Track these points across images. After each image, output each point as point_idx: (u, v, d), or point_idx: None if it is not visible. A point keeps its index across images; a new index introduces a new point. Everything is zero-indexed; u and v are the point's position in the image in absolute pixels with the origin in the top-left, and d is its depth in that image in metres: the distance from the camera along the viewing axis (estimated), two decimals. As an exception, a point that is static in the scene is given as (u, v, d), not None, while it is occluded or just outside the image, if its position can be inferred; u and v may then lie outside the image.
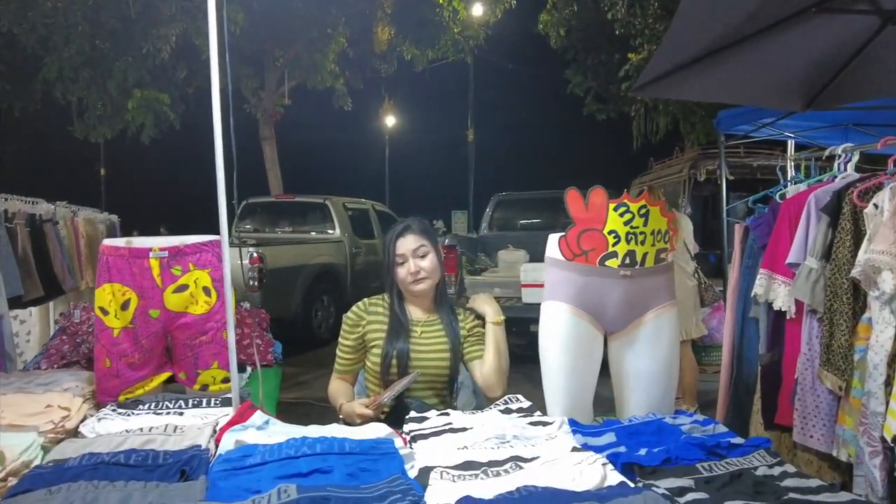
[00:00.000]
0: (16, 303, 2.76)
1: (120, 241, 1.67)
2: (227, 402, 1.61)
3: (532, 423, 1.48)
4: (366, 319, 1.84)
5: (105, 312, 1.65)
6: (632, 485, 1.14)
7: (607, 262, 1.55)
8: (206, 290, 1.70)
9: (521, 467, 1.17)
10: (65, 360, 1.97)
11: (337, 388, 1.82)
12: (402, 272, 1.80)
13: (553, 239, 1.61)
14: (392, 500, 1.03)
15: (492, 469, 1.16)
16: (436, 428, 1.45)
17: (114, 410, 1.56)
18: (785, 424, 1.98)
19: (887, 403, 1.57)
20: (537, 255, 5.30)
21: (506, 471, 1.15)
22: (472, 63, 11.47)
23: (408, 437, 1.42)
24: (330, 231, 7.21)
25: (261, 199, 7.98)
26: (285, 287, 5.97)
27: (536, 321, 1.65)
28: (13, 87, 8.01)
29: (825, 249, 1.82)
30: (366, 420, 1.67)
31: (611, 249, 1.54)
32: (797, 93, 3.31)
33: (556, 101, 12.81)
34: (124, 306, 1.65)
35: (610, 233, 1.54)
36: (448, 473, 1.14)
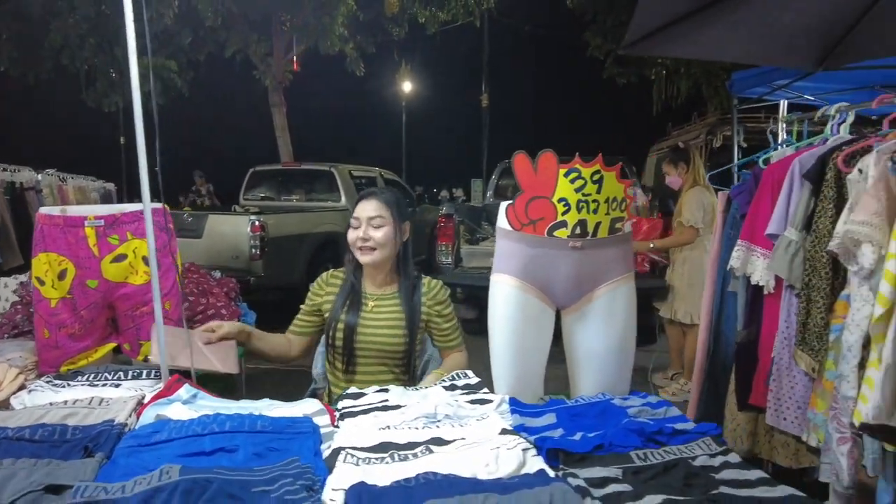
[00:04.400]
0: (-4, 271, 2.77)
1: (55, 210, 1.62)
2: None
3: (472, 402, 1.41)
4: (324, 290, 1.84)
5: (42, 283, 1.61)
6: (552, 473, 1.06)
7: (556, 233, 1.44)
8: (146, 260, 1.64)
9: (431, 451, 1.10)
10: (16, 330, 1.95)
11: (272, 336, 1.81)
12: (351, 235, 1.79)
13: (502, 207, 1.51)
14: (282, 484, 0.97)
15: (401, 452, 1.09)
16: (368, 405, 1.39)
17: (48, 382, 1.52)
18: (759, 405, 1.88)
19: (859, 387, 1.45)
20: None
21: (415, 455, 1.08)
22: (486, 25, 11.12)
23: (337, 415, 1.36)
24: (336, 199, 7.16)
25: (267, 167, 7.95)
26: (288, 255, 5.96)
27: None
28: (22, 54, 8.02)
29: (806, 220, 1.68)
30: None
31: (560, 219, 1.43)
32: (808, 51, 3.08)
33: (574, 65, 12.44)
34: (61, 276, 1.61)
35: (559, 201, 1.43)
36: (353, 456, 1.08)
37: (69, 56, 7.85)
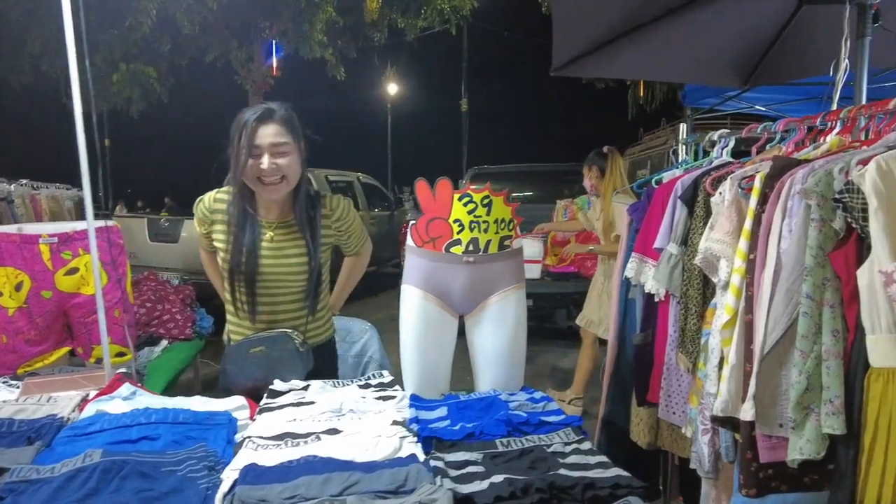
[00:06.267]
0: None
1: (11, 228, 1.81)
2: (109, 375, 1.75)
3: (379, 398, 1.61)
4: (209, 219, 1.72)
5: (-1, 294, 1.80)
6: (422, 457, 1.26)
7: (452, 249, 1.65)
8: (96, 273, 1.83)
9: (319, 439, 1.30)
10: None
11: (213, 269, 1.85)
12: (251, 166, 1.56)
13: (409, 226, 1.71)
14: (188, 465, 1.16)
15: (294, 440, 1.29)
16: (285, 403, 1.59)
17: (4, 382, 1.71)
18: (655, 402, 2.09)
19: (718, 385, 1.66)
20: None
21: (305, 442, 1.29)
22: (465, 31, 11.35)
23: (258, 410, 1.56)
24: (312, 204, 7.31)
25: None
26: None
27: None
28: (2, 60, 8.14)
29: (684, 235, 1.89)
30: None
31: (455, 237, 1.64)
32: (733, 71, 3.34)
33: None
34: (18, 288, 1.80)
35: (455, 221, 1.63)
36: (254, 443, 1.28)
37: (48, 63, 7.98)
